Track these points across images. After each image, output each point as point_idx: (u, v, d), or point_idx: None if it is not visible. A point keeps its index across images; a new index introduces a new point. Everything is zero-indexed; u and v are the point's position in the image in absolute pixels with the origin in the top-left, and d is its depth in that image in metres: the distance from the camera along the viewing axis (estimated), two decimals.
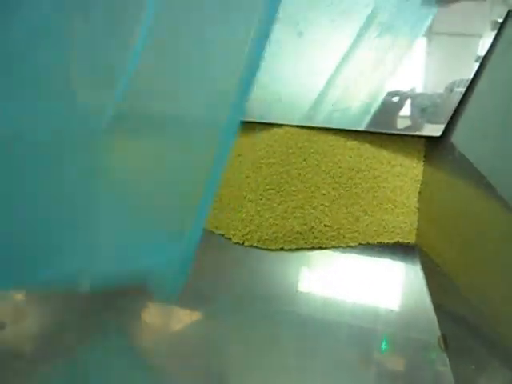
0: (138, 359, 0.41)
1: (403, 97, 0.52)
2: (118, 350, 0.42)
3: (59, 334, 0.43)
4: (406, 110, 0.52)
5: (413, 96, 0.52)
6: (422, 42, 0.52)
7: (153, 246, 0.35)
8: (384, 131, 0.53)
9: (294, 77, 0.55)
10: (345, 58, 0.52)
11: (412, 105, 0.52)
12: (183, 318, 0.45)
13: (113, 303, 0.44)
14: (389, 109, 0.52)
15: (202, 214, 0.33)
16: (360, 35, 0.52)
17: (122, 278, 0.34)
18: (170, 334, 0.44)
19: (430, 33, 0.52)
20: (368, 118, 0.53)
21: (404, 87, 0.52)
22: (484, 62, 0.47)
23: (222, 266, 0.49)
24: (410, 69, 0.52)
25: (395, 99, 0.52)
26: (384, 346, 0.39)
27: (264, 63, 0.56)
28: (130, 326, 0.44)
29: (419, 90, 0.52)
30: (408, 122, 0.52)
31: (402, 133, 0.52)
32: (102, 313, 0.44)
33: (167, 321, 0.46)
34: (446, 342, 0.36)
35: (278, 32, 0.54)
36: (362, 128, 0.53)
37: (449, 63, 0.52)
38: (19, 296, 0.48)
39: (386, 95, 0.52)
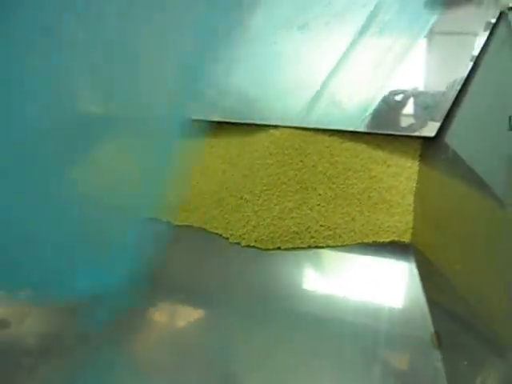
0: (140, 357, 0.41)
1: (406, 95, 0.52)
2: (121, 348, 0.42)
3: (62, 333, 0.43)
4: (407, 109, 0.52)
5: (415, 94, 0.52)
6: (420, 42, 0.52)
7: (93, 270, 0.35)
8: (386, 132, 0.53)
9: (291, 78, 0.55)
10: (341, 60, 0.53)
11: (415, 103, 0.52)
12: (183, 317, 0.46)
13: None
14: (391, 108, 0.53)
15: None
16: (357, 36, 0.53)
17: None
18: (170, 332, 0.44)
19: (430, 32, 0.52)
20: (366, 118, 0.53)
21: (405, 86, 0.52)
22: (477, 61, 0.47)
23: (220, 265, 0.50)
24: (410, 68, 0.52)
25: (398, 97, 0.52)
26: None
27: (260, 65, 0.57)
28: (133, 326, 0.44)
29: (421, 88, 0.52)
30: (411, 121, 0.52)
31: (404, 133, 0.52)
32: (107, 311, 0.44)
33: (166, 319, 0.46)
34: (439, 339, 0.36)
35: (274, 34, 0.55)
36: (361, 129, 0.53)
37: (448, 62, 0.52)
38: (23, 296, 0.49)
39: (387, 94, 0.53)
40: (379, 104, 0.52)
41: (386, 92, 0.53)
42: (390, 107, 0.53)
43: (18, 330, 0.45)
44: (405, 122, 0.52)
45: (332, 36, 0.53)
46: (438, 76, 0.52)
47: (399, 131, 0.53)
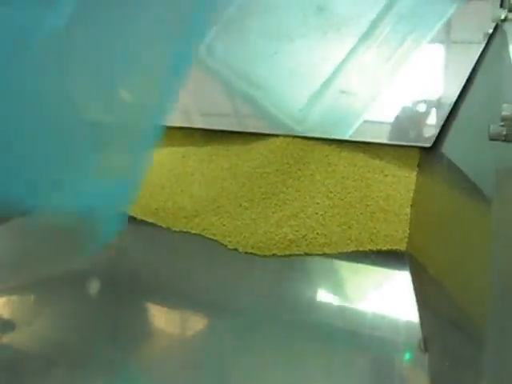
0: (143, 362, 0.42)
1: (429, 105, 0.52)
2: (125, 353, 0.42)
3: (68, 336, 0.44)
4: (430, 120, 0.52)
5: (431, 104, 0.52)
6: (418, 51, 0.53)
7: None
8: (408, 144, 0.53)
9: (289, 87, 0.57)
10: (335, 71, 0.54)
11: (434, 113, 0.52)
12: (184, 323, 0.46)
13: (125, 307, 0.46)
14: (413, 119, 0.52)
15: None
16: (354, 48, 0.54)
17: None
18: (170, 338, 0.45)
19: (428, 42, 0.52)
20: (364, 125, 0.53)
21: (404, 94, 0.53)
22: (472, 72, 0.48)
23: (217, 270, 0.50)
24: (408, 77, 0.53)
25: (421, 107, 0.52)
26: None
27: (258, 74, 0.58)
28: (135, 331, 0.44)
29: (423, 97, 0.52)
30: (433, 131, 0.51)
31: (425, 145, 0.52)
32: (112, 316, 0.45)
33: (166, 325, 0.47)
34: (426, 344, 0.36)
35: (273, 44, 0.56)
36: (357, 138, 0.54)
37: (444, 72, 0.52)
38: (29, 297, 0.50)
39: (409, 105, 0.53)
40: (400, 115, 0.53)
41: (406, 102, 0.52)
42: (411, 118, 0.52)
43: (24, 332, 0.46)
44: (427, 133, 0.52)
45: (327, 48, 0.54)
46: (436, 86, 0.52)
47: (422, 142, 0.52)
